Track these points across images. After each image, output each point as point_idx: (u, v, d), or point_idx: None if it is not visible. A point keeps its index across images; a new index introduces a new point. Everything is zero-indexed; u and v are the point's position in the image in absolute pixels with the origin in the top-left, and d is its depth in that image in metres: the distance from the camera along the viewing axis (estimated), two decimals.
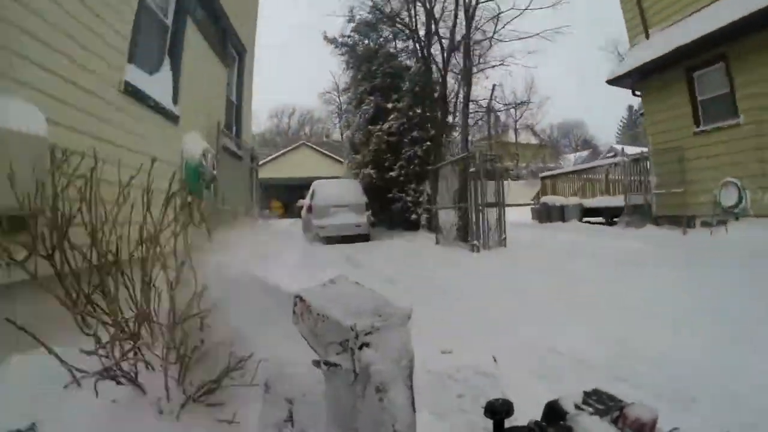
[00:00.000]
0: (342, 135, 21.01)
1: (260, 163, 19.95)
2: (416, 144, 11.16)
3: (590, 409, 0.81)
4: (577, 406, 0.82)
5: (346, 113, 17.33)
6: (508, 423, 0.86)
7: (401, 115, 11.29)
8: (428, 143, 11.04)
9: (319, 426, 1.13)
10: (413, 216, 11.01)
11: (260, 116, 39.54)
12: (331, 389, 1.02)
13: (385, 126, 11.41)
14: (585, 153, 35.37)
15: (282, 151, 27.26)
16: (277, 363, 1.34)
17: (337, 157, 24.34)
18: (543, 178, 13.72)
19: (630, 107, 40.79)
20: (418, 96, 11.42)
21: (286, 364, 1.25)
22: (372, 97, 11.89)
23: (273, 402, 1.25)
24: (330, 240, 9.60)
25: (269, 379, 1.31)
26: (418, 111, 11.29)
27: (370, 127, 11.72)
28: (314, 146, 28.12)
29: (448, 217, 8.54)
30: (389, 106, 11.54)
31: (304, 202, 11.11)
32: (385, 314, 0.96)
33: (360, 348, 0.92)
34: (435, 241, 8.67)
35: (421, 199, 10.91)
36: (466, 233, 7.67)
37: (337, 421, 1.01)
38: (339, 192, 10.33)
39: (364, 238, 9.86)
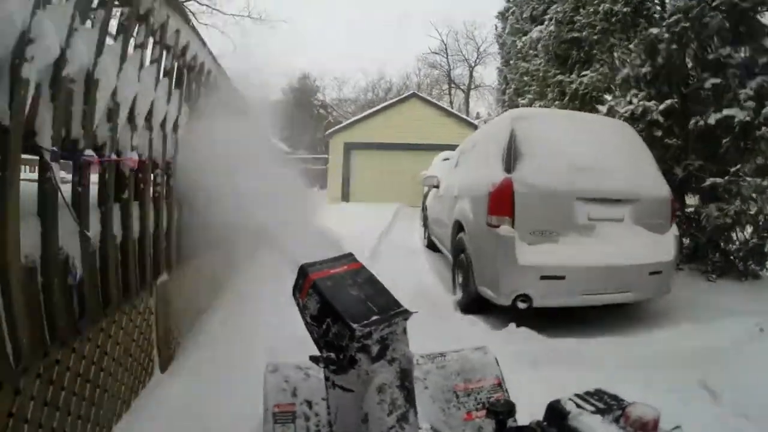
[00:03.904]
0: (500, 76, 14.94)
1: (348, 122, 15.85)
2: None
3: (592, 409, 0.83)
4: (578, 406, 0.85)
5: (515, 35, 12.25)
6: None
7: None
8: None
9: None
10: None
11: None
12: (331, 388, 1.02)
13: None
14: None
15: (382, 105, 16.09)
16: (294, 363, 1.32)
17: (468, 119, 16.34)
18: None
19: None
20: None
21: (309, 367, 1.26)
22: None
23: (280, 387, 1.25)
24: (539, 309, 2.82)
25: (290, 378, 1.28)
26: None
27: None
28: (430, 99, 17.24)
29: None
30: None
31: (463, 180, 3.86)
32: (387, 316, 0.96)
33: (360, 350, 0.93)
34: None
35: None
36: None
37: (340, 420, 1.02)
38: (603, 155, 3.05)
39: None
